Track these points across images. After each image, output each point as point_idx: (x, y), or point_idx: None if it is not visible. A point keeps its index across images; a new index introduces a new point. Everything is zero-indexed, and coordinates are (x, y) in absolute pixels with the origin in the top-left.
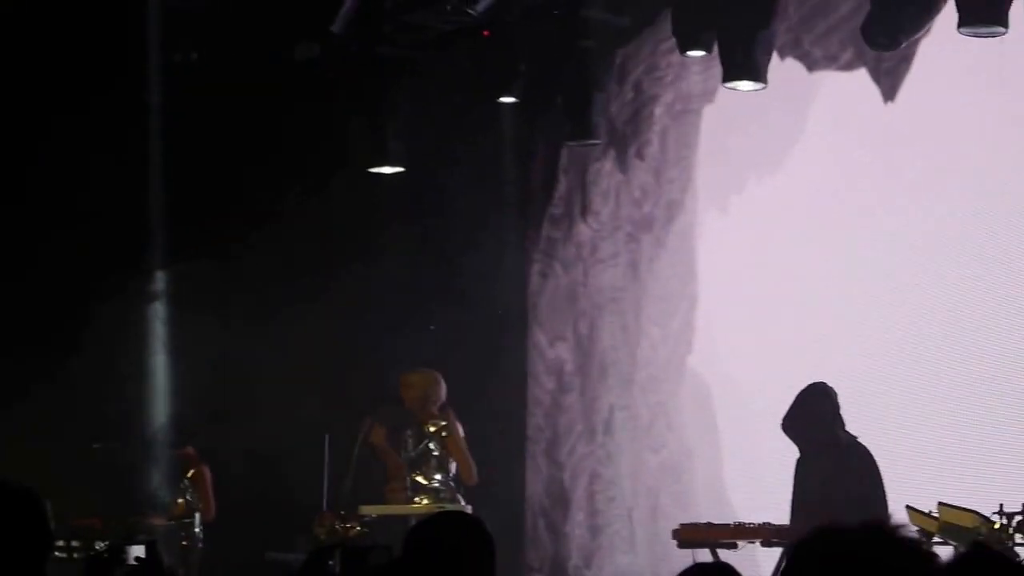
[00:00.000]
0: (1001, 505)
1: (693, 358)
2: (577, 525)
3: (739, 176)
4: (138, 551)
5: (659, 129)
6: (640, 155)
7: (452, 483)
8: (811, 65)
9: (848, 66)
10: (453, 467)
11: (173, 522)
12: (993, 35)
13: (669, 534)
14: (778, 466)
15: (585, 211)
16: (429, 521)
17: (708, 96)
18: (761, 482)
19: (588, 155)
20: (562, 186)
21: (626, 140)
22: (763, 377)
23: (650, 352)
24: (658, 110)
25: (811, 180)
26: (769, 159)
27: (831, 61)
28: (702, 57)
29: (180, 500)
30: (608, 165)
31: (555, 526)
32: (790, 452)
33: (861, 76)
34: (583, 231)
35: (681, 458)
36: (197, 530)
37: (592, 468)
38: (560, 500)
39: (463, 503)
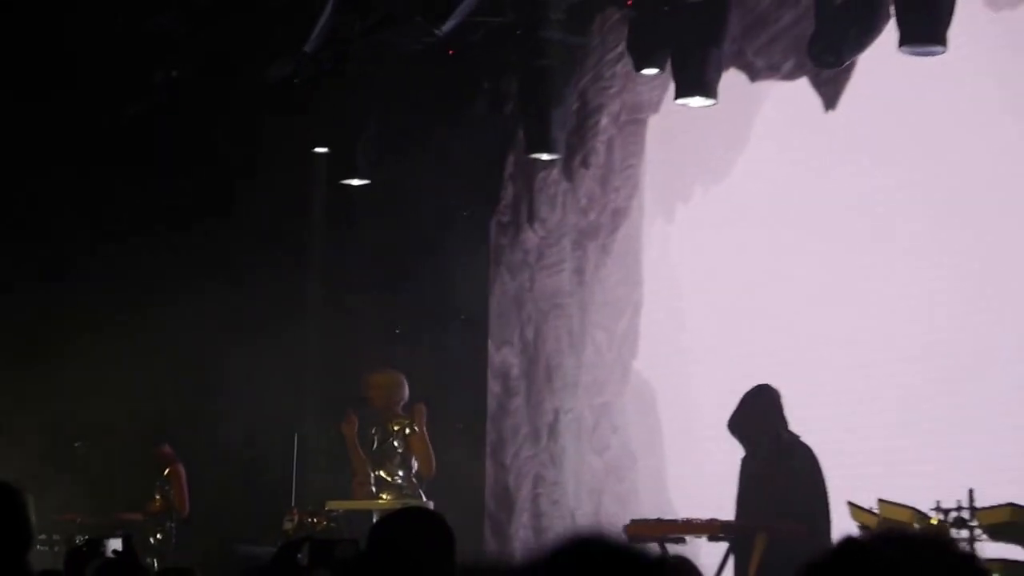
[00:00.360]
0: (938, 501)
1: (638, 362)
2: (522, 526)
3: (686, 185)
4: (115, 544)
5: (605, 138)
6: (586, 164)
7: (415, 479)
8: (754, 75)
9: (790, 75)
10: (415, 464)
11: (148, 518)
12: (932, 54)
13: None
14: (720, 467)
15: (532, 218)
16: (393, 516)
17: (653, 106)
18: (703, 483)
19: (535, 163)
20: (509, 194)
21: (572, 149)
22: (707, 380)
23: (595, 356)
24: (604, 120)
25: (756, 189)
26: (715, 168)
27: (773, 71)
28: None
29: (156, 497)
30: (555, 173)
31: (500, 527)
32: (732, 453)
33: (802, 85)
34: (530, 238)
35: (625, 460)
36: (171, 525)
37: (536, 471)
38: (505, 502)
39: (424, 499)
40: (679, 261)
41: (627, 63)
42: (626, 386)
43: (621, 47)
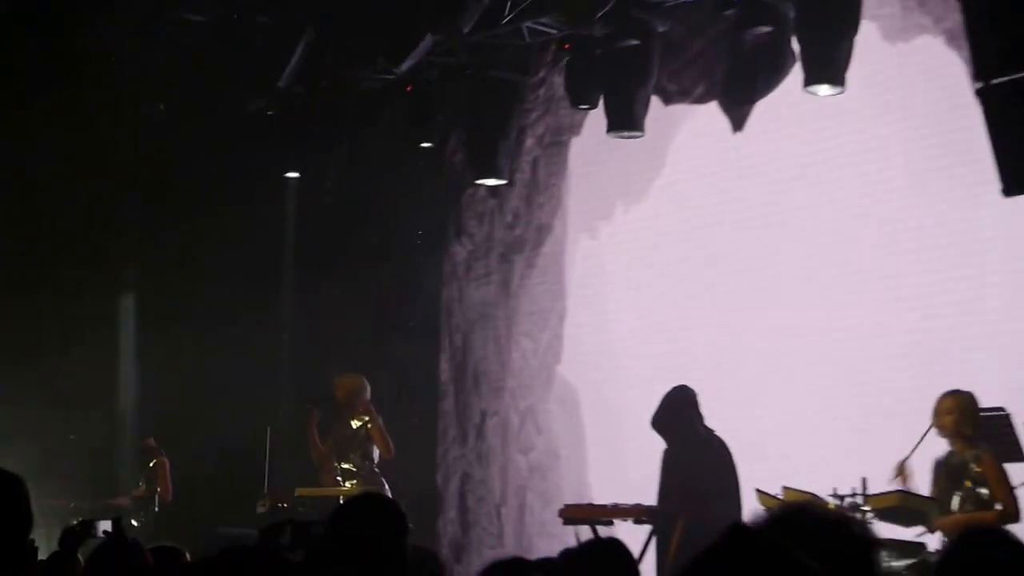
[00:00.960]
0: (835, 488)
1: (562, 368)
2: (449, 522)
3: (607, 204)
4: (105, 526)
5: (530, 159)
6: (512, 182)
7: (376, 469)
8: (667, 99)
9: (700, 99)
10: (376, 455)
11: (133, 502)
12: (833, 94)
13: (534, 529)
14: (639, 464)
15: (460, 232)
16: (352, 500)
17: (575, 129)
18: (623, 479)
19: (464, 180)
20: (440, 210)
21: None
22: (628, 384)
23: (521, 362)
24: (529, 141)
25: (672, 208)
26: (635, 188)
27: (684, 95)
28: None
29: (141, 484)
30: (482, 191)
31: (427, 523)
32: (650, 451)
33: (712, 109)
34: (458, 251)
35: (548, 459)
36: (154, 509)
37: (464, 469)
38: (432, 499)
39: (386, 486)
40: (601, 274)
41: (550, 88)
42: (550, 391)
43: (543, 72)
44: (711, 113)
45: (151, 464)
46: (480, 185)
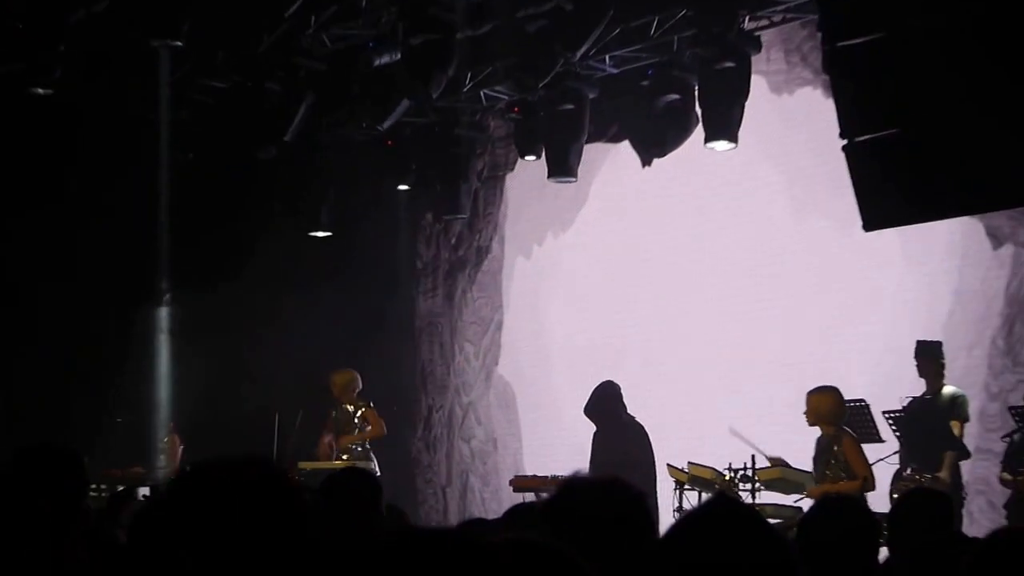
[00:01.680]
0: (730, 464)
1: (500, 368)
2: (397, 501)
3: (539, 230)
4: (144, 491)
5: (470, 190)
6: None
7: (368, 446)
8: (588, 138)
9: (615, 138)
10: (367, 435)
11: (153, 471)
12: (729, 149)
13: (475, 507)
14: (565, 449)
15: (412, 253)
16: (337, 473)
17: (510, 166)
18: (551, 462)
19: (418, 212)
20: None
21: None
22: (557, 383)
23: (464, 364)
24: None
25: (593, 235)
26: (563, 217)
27: (601, 135)
28: (505, 135)
29: (163, 457)
30: (429, 217)
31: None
32: (574, 438)
33: (628, 154)
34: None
35: (488, 446)
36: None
37: (414, 455)
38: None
39: (374, 462)
40: (535, 290)
41: (487, 131)
42: (489, 388)
43: (478, 116)
44: (627, 158)
45: (165, 440)
46: (428, 214)
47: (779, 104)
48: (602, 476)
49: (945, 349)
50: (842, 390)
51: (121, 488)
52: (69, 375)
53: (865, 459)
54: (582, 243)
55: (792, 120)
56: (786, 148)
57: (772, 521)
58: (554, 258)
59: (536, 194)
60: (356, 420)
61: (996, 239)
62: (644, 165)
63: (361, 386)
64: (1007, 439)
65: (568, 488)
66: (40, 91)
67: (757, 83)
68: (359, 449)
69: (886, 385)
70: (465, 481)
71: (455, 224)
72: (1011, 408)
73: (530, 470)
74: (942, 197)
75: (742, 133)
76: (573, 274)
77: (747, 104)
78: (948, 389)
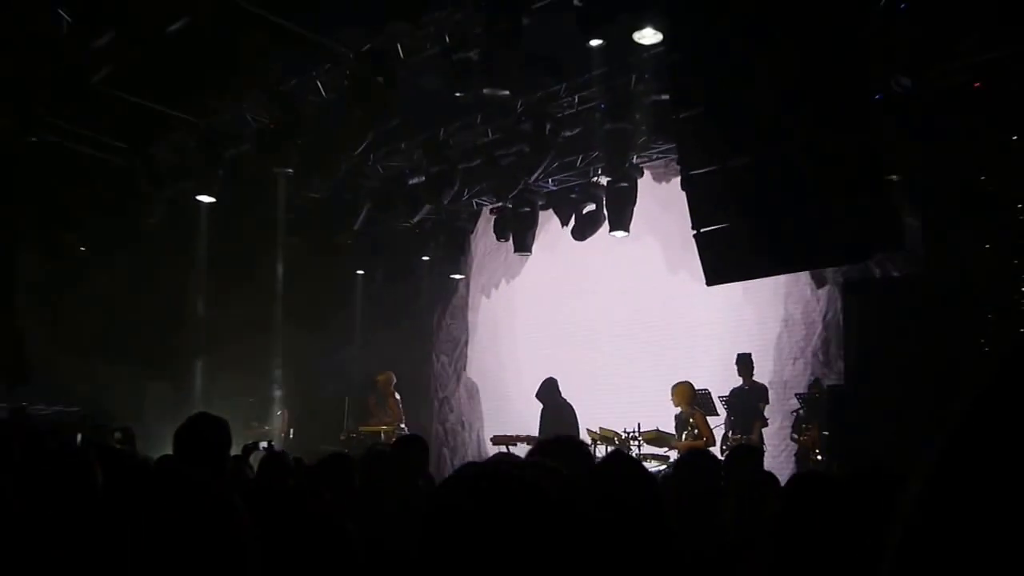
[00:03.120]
0: (625, 428)
1: (467, 372)
2: None
3: (496, 277)
4: (263, 444)
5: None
6: None
7: (402, 425)
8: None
9: (551, 224)
10: (395, 415)
11: (268, 433)
12: (624, 235)
13: (445, 477)
14: (516, 427)
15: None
16: (403, 436)
17: (476, 231)
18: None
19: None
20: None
21: None
22: (508, 380)
23: (440, 370)
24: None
25: (534, 280)
26: (513, 268)
27: (542, 208)
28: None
29: (280, 423)
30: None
31: None
32: (524, 419)
33: (558, 234)
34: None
35: (458, 427)
36: (287, 437)
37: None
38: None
39: (406, 430)
40: (493, 319)
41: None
42: (459, 386)
43: (470, 214)
44: (558, 234)
45: (278, 413)
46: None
47: (659, 191)
48: (553, 436)
49: (773, 359)
50: (694, 383)
51: (249, 442)
52: (222, 371)
53: (709, 426)
54: (526, 288)
55: (667, 202)
56: (664, 224)
57: (652, 463)
58: (506, 297)
59: (495, 251)
60: (389, 406)
61: (820, 280)
62: (577, 240)
63: (395, 382)
64: (793, 413)
65: (546, 441)
66: (205, 199)
67: (645, 175)
68: (395, 425)
69: (722, 379)
70: (440, 454)
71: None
72: (797, 394)
73: (489, 446)
74: (752, 265)
75: (657, 207)
76: (520, 308)
77: (637, 193)
78: (757, 383)
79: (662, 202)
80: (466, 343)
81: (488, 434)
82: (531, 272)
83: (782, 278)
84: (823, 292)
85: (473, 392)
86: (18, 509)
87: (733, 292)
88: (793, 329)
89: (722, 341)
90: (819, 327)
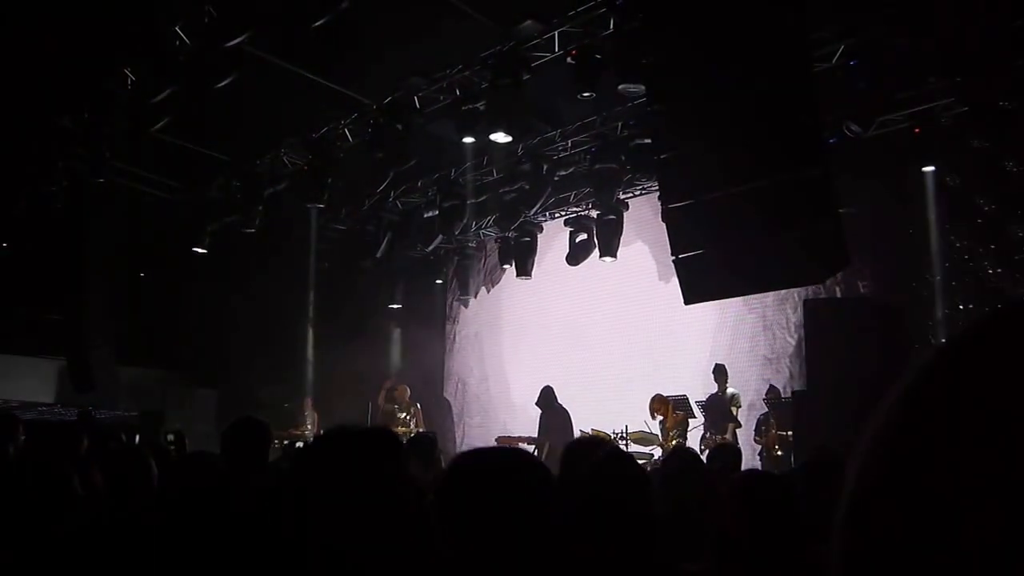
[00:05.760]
0: (614, 429)
1: (474, 380)
2: None
3: (500, 298)
4: (299, 444)
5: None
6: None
7: (413, 423)
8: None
9: (545, 252)
10: (413, 423)
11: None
12: (612, 261)
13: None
14: (525, 425)
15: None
16: (416, 435)
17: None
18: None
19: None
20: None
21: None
22: (495, 390)
23: (450, 379)
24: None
25: (515, 294)
26: (514, 288)
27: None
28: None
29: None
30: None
31: None
32: (527, 422)
33: (545, 254)
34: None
35: (468, 430)
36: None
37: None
38: None
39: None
40: (498, 337)
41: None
42: (469, 392)
43: (478, 244)
44: (552, 265)
45: (307, 415)
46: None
47: (652, 200)
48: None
49: (746, 368)
50: (675, 390)
51: (286, 442)
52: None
53: (686, 428)
54: (505, 300)
55: (646, 234)
56: (645, 249)
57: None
58: (486, 310)
59: (499, 278)
60: (407, 415)
61: (786, 299)
62: (571, 265)
63: (409, 393)
64: (758, 418)
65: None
66: (247, 231)
67: (650, 199)
68: (411, 428)
69: (702, 386)
70: (452, 453)
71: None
72: (765, 399)
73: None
74: (723, 287)
75: (635, 234)
76: (495, 318)
77: (640, 210)
78: (730, 389)
79: (640, 227)
80: (487, 354)
81: (493, 436)
82: (530, 289)
83: (755, 296)
84: (789, 309)
85: (492, 395)
86: (82, 497)
87: (712, 307)
88: (763, 341)
89: (701, 351)
90: (787, 339)
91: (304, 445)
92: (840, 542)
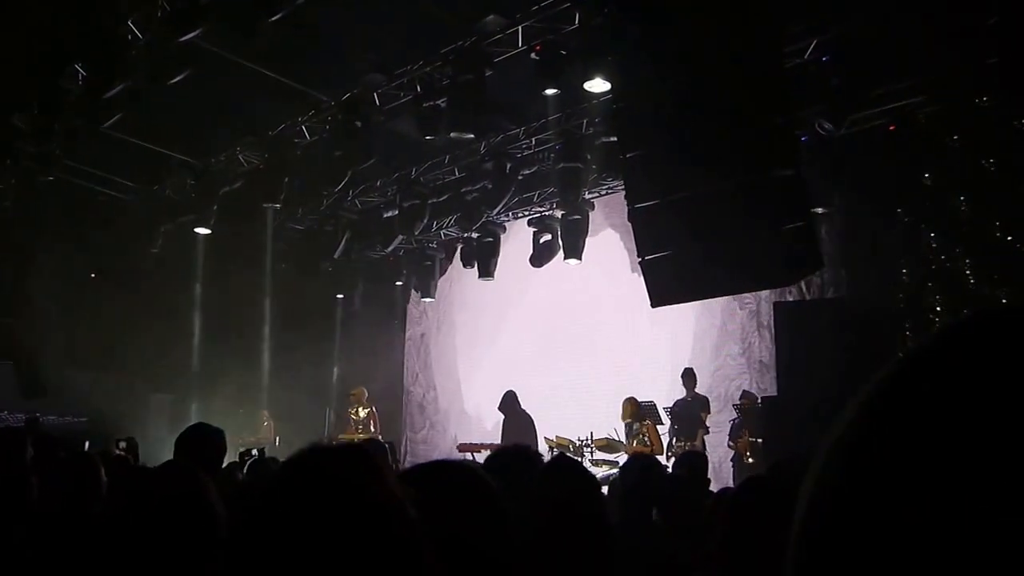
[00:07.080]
0: (579, 436)
1: (436, 386)
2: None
3: (461, 299)
4: (255, 451)
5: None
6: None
7: (372, 430)
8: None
9: (510, 252)
10: (373, 426)
11: (259, 440)
12: (576, 263)
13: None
14: (475, 434)
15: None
16: (361, 442)
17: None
18: (472, 436)
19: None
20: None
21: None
22: (474, 392)
23: (411, 384)
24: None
25: (492, 305)
26: (469, 300)
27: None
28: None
29: (265, 432)
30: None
31: None
32: (489, 427)
33: (513, 264)
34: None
35: (427, 436)
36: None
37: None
38: None
39: (380, 438)
40: (458, 336)
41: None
42: (428, 398)
43: (439, 244)
44: (513, 265)
45: (265, 424)
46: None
47: (608, 227)
48: (512, 444)
49: (714, 372)
50: (643, 395)
51: (243, 448)
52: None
53: (658, 435)
54: (479, 316)
55: (614, 237)
56: (615, 256)
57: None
58: (464, 321)
59: (460, 279)
60: (365, 416)
61: (745, 302)
62: (535, 267)
63: (367, 397)
64: (730, 422)
65: (503, 450)
66: (202, 231)
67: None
68: (368, 432)
69: (668, 391)
70: (408, 462)
71: (417, 305)
72: (734, 405)
73: (453, 448)
74: (692, 289)
75: (607, 238)
76: (476, 328)
77: (615, 210)
78: (699, 394)
79: (611, 231)
80: (434, 359)
81: (457, 443)
82: (494, 292)
83: (724, 299)
84: (759, 312)
85: (440, 404)
86: (33, 505)
87: (681, 310)
88: (733, 345)
89: (670, 355)
90: (757, 343)
91: (273, 479)
92: (795, 551)
